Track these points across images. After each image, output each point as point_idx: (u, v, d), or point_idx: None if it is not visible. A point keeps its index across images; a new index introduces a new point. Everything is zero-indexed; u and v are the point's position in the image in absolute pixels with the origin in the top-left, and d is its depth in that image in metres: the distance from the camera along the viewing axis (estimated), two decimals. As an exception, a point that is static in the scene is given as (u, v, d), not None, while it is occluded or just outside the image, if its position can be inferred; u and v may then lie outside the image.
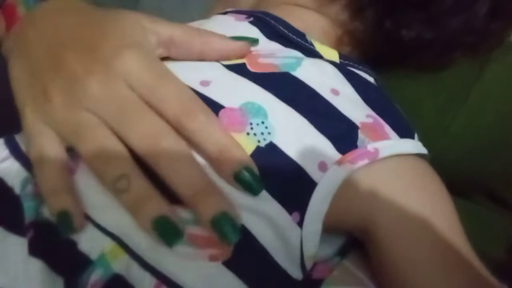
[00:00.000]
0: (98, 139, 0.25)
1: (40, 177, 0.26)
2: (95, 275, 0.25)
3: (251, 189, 0.25)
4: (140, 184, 0.25)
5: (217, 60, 0.30)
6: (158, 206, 0.24)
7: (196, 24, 0.34)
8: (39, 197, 0.27)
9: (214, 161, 0.25)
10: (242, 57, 0.30)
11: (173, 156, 0.24)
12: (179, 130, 0.25)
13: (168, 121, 0.25)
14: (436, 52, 0.34)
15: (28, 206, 0.27)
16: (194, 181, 0.25)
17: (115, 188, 0.25)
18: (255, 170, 0.25)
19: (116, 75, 0.25)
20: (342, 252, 0.31)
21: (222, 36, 0.29)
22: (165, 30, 0.28)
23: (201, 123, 0.25)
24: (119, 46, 0.26)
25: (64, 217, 0.25)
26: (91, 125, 0.25)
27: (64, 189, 0.26)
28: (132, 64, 0.26)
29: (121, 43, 0.26)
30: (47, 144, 0.26)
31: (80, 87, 0.25)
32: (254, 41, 0.30)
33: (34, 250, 0.26)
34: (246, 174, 0.25)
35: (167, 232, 0.24)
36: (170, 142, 0.25)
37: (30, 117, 0.27)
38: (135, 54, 0.26)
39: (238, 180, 0.25)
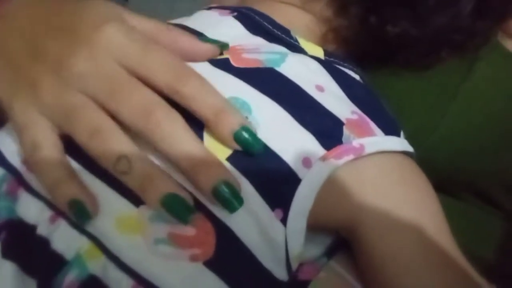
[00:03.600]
0: (92, 120, 0.24)
1: (39, 170, 0.25)
2: (70, 276, 0.24)
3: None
4: (141, 163, 0.24)
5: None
6: (163, 184, 0.24)
7: (178, 21, 0.33)
8: (13, 195, 0.26)
9: (211, 125, 0.25)
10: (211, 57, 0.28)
11: (168, 127, 0.24)
12: (173, 97, 0.25)
13: (160, 90, 0.25)
14: (422, 50, 0.34)
15: (2, 206, 0.26)
16: (192, 152, 0.24)
17: (116, 170, 0.24)
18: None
19: (101, 49, 0.25)
20: (329, 253, 0.30)
21: (191, 37, 0.28)
22: (135, 20, 0.27)
23: (194, 87, 0.25)
24: (98, 22, 0.26)
25: (76, 205, 0.24)
26: (83, 105, 0.25)
27: (68, 177, 0.25)
28: (115, 36, 0.25)
29: (99, 19, 0.26)
30: (42, 134, 0.25)
31: (66, 68, 0.25)
32: (224, 46, 0.29)
33: (6, 252, 0.25)
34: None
35: (178, 209, 0.24)
36: (163, 113, 0.24)
37: (19, 108, 0.26)
38: (116, 27, 0.25)
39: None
